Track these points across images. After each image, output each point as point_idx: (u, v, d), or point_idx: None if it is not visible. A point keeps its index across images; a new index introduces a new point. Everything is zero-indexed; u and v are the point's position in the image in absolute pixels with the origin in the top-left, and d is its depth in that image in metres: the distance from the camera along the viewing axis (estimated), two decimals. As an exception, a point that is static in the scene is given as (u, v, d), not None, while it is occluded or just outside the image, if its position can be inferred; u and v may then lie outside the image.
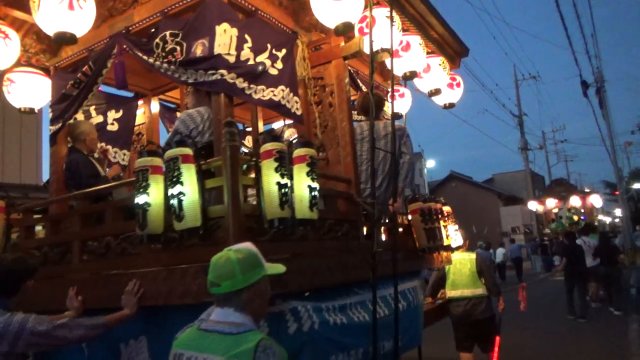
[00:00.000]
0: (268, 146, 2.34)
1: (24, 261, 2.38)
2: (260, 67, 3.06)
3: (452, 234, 4.70)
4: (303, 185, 2.50)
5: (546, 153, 33.31)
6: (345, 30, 2.94)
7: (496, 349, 5.09)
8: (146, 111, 4.63)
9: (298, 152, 2.56)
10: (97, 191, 3.17)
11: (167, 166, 2.25)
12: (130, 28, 3.27)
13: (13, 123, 8.08)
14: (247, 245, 1.69)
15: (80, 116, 4.10)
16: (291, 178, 2.43)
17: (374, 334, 2.96)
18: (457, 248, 5.09)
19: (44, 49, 3.82)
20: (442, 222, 4.43)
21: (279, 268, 1.77)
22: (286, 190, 2.31)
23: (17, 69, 4.07)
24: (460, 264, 5.22)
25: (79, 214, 2.96)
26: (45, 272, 3.01)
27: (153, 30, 3.12)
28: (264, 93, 3.05)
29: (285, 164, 2.33)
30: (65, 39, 2.76)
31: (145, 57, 3.11)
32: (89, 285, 2.74)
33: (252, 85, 2.99)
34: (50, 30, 2.71)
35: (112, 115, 4.32)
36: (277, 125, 4.80)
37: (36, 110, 4.20)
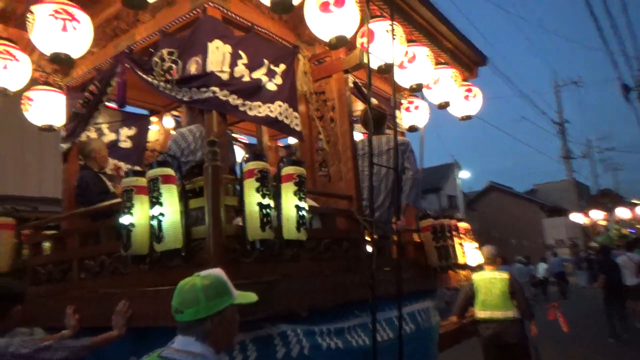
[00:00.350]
0: (250, 165, 2.28)
1: (9, 288, 2.42)
2: (256, 84, 3.03)
3: (469, 252, 4.50)
4: (290, 204, 2.42)
5: (591, 161, 31.97)
6: (339, 44, 2.87)
7: None
8: (160, 127, 4.69)
9: (286, 170, 2.50)
10: (103, 208, 3.20)
11: (148, 187, 2.22)
12: (133, 47, 3.31)
13: (32, 139, 8.50)
14: (216, 272, 1.63)
15: (93, 134, 4.19)
16: (277, 198, 2.36)
17: (374, 356, 2.83)
18: (479, 267, 4.86)
19: (57, 70, 3.93)
20: (457, 240, 4.25)
21: (250, 297, 1.71)
22: (268, 211, 2.24)
23: (35, 88, 4.22)
24: (491, 284, 4.96)
25: (78, 232, 2.99)
26: (49, 289, 3.06)
27: (152, 49, 3.15)
28: (259, 109, 3.01)
29: (267, 184, 2.26)
30: (61, 60, 2.81)
31: (144, 76, 3.13)
32: (85, 304, 2.74)
33: (247, 102, 2.96)
34: (46, 50, 2.77)
35: (125, 132, 4.39)
36: (284, 140, 4.77)
37: (55, 128, 4.32)
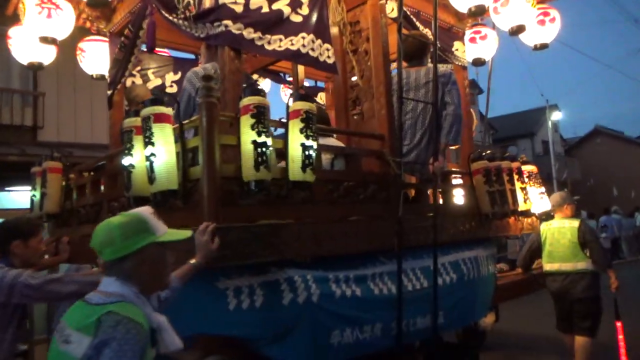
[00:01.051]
0: (245, 101, 2.11)
1: (16, 223, 2.51)
2: (276, 15, 2.80)
3: (534, 198, 4.03)
4: (296, 143, 2.24)
5: None
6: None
7: (620, 337, 4.32)
8: (207, 72, 4.63)
9: (294, 106, 2.30)
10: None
11: (142, 126, 2.15)
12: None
13: (84, 89, 9.04)
14: (140, 210, 1.52)
15: (138, 80, 4.23)
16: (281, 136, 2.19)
17: (400, 308, 2.65)
18: (546, 214, 4.37)
19: (98, 16, 3.96)
20: (518, 184, 3.81)
21: (180, 234, 1.58)
22: (264, 149, 2.07)
23: (87, 38, 4.33)
24: (559, 233, 4.42)
25: (106, 174, 3.06)
26: (87, 230, 3.19)
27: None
28: (280, 43, 2.79)
29: (263, 121, 2.08)
30: (48, 42, 3.19)
31: (168, 15, 3.03)
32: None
33: (266, 35, 2.75)
34: (35, 34, 3.07)
35: (170, 77, 4.39)
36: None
37: (107, 77, 4.44)
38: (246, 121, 2.08)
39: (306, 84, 5.46)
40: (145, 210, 1.52)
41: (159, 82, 4.37)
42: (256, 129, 2.06)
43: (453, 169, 3.59)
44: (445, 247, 3.24)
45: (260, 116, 2.08)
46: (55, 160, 3.48)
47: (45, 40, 3.51)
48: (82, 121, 9.57)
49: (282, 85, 5.61)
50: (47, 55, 4.03)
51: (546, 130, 22.43)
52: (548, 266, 4.48)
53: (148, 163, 2.10)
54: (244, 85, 2.17)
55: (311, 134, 2.25)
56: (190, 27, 2.82)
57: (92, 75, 4.34)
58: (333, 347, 2.39)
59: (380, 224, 2.75)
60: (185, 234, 1.62)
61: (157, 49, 4.77)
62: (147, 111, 2.11)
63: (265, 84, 5.22)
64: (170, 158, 2.12)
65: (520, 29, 3.94)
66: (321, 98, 5.32)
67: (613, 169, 26.24)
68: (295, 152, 2.23)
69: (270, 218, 2.32)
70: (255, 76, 5.15)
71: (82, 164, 3.82)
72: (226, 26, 2.62)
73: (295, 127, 2.25)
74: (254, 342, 2.36)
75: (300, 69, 4.04)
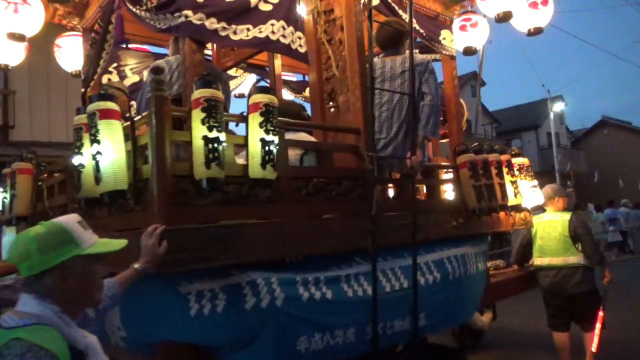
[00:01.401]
0: (196, 94, 1.97)
1: None
2: (242, 4, 2.66)
3: (525, 191, 3.87)
4: (255, 138, 2.10)
5: None
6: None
7: (598, 325, 4.16)
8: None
9: (252, 99, 2.17)
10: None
11: (88, 123, 2.02)
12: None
13: (58, 86, 8.85)
14: (63, 219, 1.37)
15: (115, 77, 4.12)
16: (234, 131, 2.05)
17: (375, 310, 2.51)
18: (538, 209, 4.20)
19: (70, 12, 3.84)
20: (508, 178, 3.65)
21: (113, 245, 1.42)
22: (215, 145, 1.93)
23: (63, 34, 4.23)
24: (550, 227, 4.25)
25: (68, 175, 2.94)
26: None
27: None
28: (248, 33, 2.65)
29: (215, 115, 1.94)
30: (16, 38, 3.12)
31: (132, 8, 2.90)
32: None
33: (232, 25, 2.61)
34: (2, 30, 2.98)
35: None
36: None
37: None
38: (197, 115, 1.94)
39: (293, 78, 5.33)
40: (70, 219, 1.37)
41: (136, 79, 4.25)
42: (207, 124, 1.92)
43: (435, 163, 3.43)
44: (430, 245, 3.10)
45: (212, 110, 1.94)
46: (25, 161, 3.37)
47: (13, 36, 3.40)
48: (56, 120, 9.31)
49: (268, 81, 5.48)
50: (14, 56, 3.92)
51: (555, 122, 22.11)
52: (539, 261, 4.32)
53: (94, 162, 1.97)
54: (196, 78, 2.03)
55: (271, 128, 2.11)
56: (152, 19, 2.69)
57: (70, 72, 4.25)
58: (300, 353, 2.25)
59: (356, 223, 2.60)
60: (119, 244, 1.45)
61: (137, 45, 4.68)
62: (92, 107, 1.98)
63: (250, 79, 5.09)
64: (119, 156, 1.98)
65: (507, 15, 3.76)
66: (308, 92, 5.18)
67: (621, 160, 25.86)
68: (254, 147, 2.10)
69: (232, 218, 2.19)
70: (239, 71, 5.04)
71: (54, 163, 3.70)
72: (186, 16, 2.48)
73: (254, 121, 2.11)
74: (218, 349, 2.23)
75: (278, 62, 3.90)
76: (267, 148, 2.09)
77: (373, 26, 3.11)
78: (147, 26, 2.78)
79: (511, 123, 25.55)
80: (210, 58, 4.52)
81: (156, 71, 2.02)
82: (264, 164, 2.08)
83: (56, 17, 3.85)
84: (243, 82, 5.01)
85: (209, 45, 4.42)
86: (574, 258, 4.13)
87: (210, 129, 1.92)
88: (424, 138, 2.79)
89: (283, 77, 5.24)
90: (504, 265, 4.94)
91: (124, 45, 4.32)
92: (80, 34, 4.07)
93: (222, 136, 1.96)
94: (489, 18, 4.26)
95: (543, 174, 18.58)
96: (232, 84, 4.99)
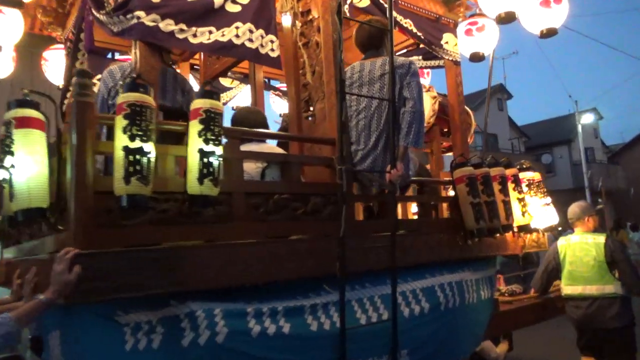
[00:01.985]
0: (119, 99, 1.73)
1: None
2: (204, 5, 2.44)
3: (536, 210, 3.47)
4: (193, 149, 1.84)
5: None
6: None
7: None
8: (179, 79, 4.31)
9: (193, 104, 1.91)
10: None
11: (3, 132, 1.80)
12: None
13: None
14: None
15: (96, 88, 3.96)
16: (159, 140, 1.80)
17: (343, 347, 2.18)
18: (552, 229, 3.77)
19: (51, 22, 3.71)
20: (515, 194, 3.28)
21: None
22: (137, 157, 1.67)
23: (51, 47, 4.13)
24: (581, 251, 3.74)
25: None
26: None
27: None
28: (210, 36, 2.42)
29: (139, 122, 1.69)
30: None
31: (96, 13, 2.73)
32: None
33: (192, 27, 2.38)
34: None
35: (134, 85, 4.10)
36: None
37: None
38: (119, 123, 1.70)
39: (284, 87, 5.09)
40: None
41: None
42: (128, 133, 1.67)
43: (423, 178, 3.09)
44: (419, 270, 2.76)
45: (135, 117, 1.69)
46: None
47: (-14, 47, 3.30)
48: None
49: (270, 92, 5.25)
50: (1, 68, 3.83)
51: (587, 137, 21.23)
52: (569, 289, 3.80)
53: (7, 176, 1.74)
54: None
55: (212, 137, 1.85)
56: (109, 22, 2.50)
57: (57, 86, 4.13)
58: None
59: (324, 245, 2.29)
60: None
61: (126, 57, 4.54)
62: (8, 115, 1.76)
63: (246, 90, 4.88)
64: (39, 170, 1.75)
65: (509, 16, 3.43)
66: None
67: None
68: (192, 159, 1.83)
69: (173, 240, 1.93)
70: (235, 82, 4.84)
71: None
72: (138, 18, 2.26)
73: (193, 129, 1.86)
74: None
75: (259, 71, 3.66)
76: (205, 160, 1.83)
77: (354, 26, 2.84)
78: (105, 30, 2.59)
79: (542, 137, 24.65)
80: (198, 67, 4.35)
81: (81, 74, 1.79)
82: (201, 178, 1.82)
83: (36, 27, 3.75)
84: (238, 93, 4.80)
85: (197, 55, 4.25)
86: (611, 287, 3.63)
87: (132, 138, 1.67)
88: (405, 149, 2.47)
89: (280, 87, 5.03)
90: (521, 290, 4.48)
91: (110, 56, 4.20)
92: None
93: (148, 146, 1.71)
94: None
95: (574, 191, 17.68)
96: (228, 95, 4.81)
